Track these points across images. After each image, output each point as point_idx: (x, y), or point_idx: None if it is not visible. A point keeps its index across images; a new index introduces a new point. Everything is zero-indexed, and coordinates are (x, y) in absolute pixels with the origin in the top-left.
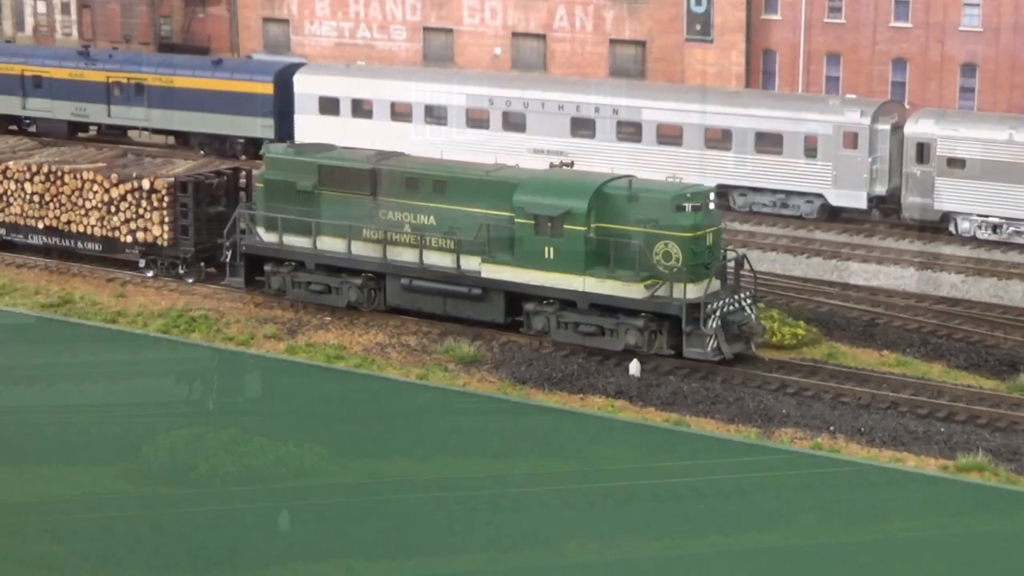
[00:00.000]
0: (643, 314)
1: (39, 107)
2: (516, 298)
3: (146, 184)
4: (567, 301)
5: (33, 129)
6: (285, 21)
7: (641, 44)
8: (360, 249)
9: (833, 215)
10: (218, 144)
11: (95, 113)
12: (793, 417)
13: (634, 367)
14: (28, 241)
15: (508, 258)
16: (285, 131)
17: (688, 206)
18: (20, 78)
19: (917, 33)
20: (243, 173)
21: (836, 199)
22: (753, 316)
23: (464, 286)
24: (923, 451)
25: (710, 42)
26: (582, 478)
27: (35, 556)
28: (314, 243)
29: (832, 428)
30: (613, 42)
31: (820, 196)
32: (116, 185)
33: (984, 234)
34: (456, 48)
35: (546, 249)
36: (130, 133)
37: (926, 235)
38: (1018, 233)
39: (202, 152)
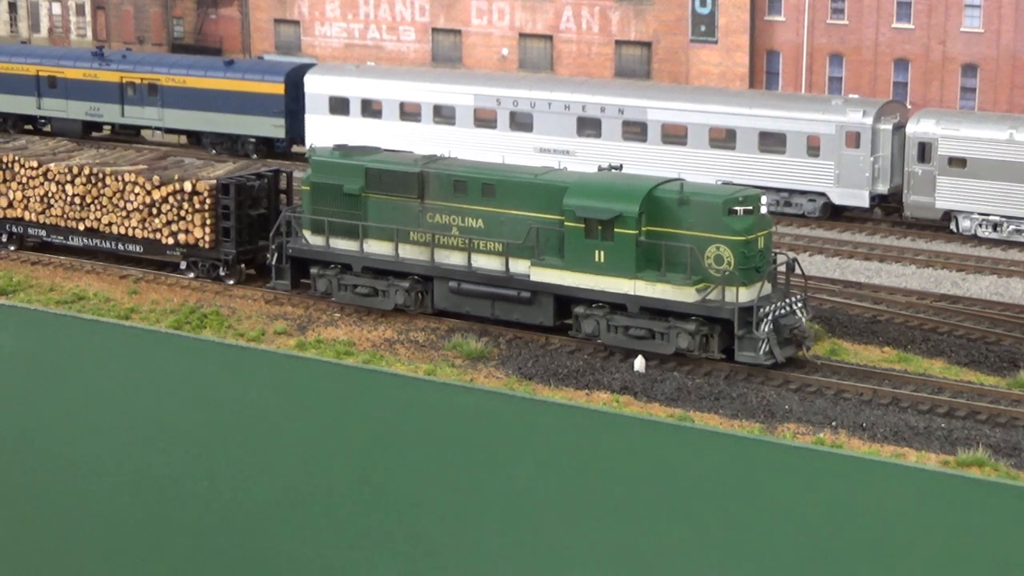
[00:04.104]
0: (694, 318)
1: (54, 107)
2: (565, 301)
3: (188, 186)
4: (617, 305)
5: (48, 129)
6: (296, 22)
7: (647, 45)
8: (407, 252)
9: (835, 214)
10: (230, 144)
11: (109, 113)
12: (796, 413)
13: (639, 363)
14: (68, 243)
15: (557, 261)
16: (296, 131)
17: (740, 210)
18: (35, 78)
19: (919, 34)
20: (283, 175)
21: (839, 198)
22: (804, 319)
23: (513, 289)
24: (924, 446)
25: (714, 43)
26: (587, 472)
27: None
28: (361, 246)
29: (834, 424)
30: (619, 43)
31: (823, 195)
32: (158, 187)
33: (984, 232)
34: (464, 49)
35: (596, 252)
36: (143, 132)
37: (927, 233)
38: (1018, 231)
39: (214, 151)
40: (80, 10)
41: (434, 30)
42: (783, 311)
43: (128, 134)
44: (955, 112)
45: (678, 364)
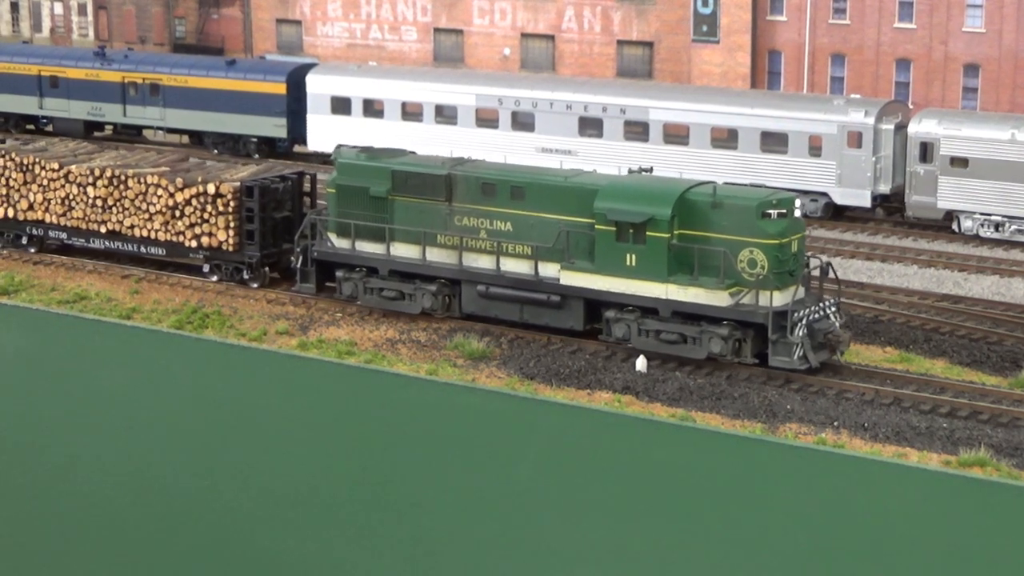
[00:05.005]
0: (727, 322)
1: (56, 107)
2: (595, 305)
3: (211, 189)
4: (648, 308)
5: (50, 128)
6: (298, 22)
7: (648, 45)
8: (435, 255)
9: (837, 214)
10: (232, 143)
11: (111, 113)
12: (797, 413)
13: (640, 363)
14: (90, 245)
15: (588, 265)
16: (298, 131)
17: (774, 213)
18: (37, 78)
19: (921, 34)
20: (307, 177)
21: (841, 198)
22: (838, 324)
23: (542, 293)
24: (926, 446)
25: (716, 43)
26: (588, 472)
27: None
28: (388, 249)
29: (836, 424)
30: (621, 43)
31: (825, 195)
32: (181, 190)
33: (986, 232)
34: (466, 49)
35: (627, 256)
36: (145, 132)
37: (929, 233)
38: (1020, 231)
39: (216, 151)
40: (82, 10)
41: (436, 30)
42: (817, 315)
43: (130, 134)
44: (957, 112)
45: (680, 364)
